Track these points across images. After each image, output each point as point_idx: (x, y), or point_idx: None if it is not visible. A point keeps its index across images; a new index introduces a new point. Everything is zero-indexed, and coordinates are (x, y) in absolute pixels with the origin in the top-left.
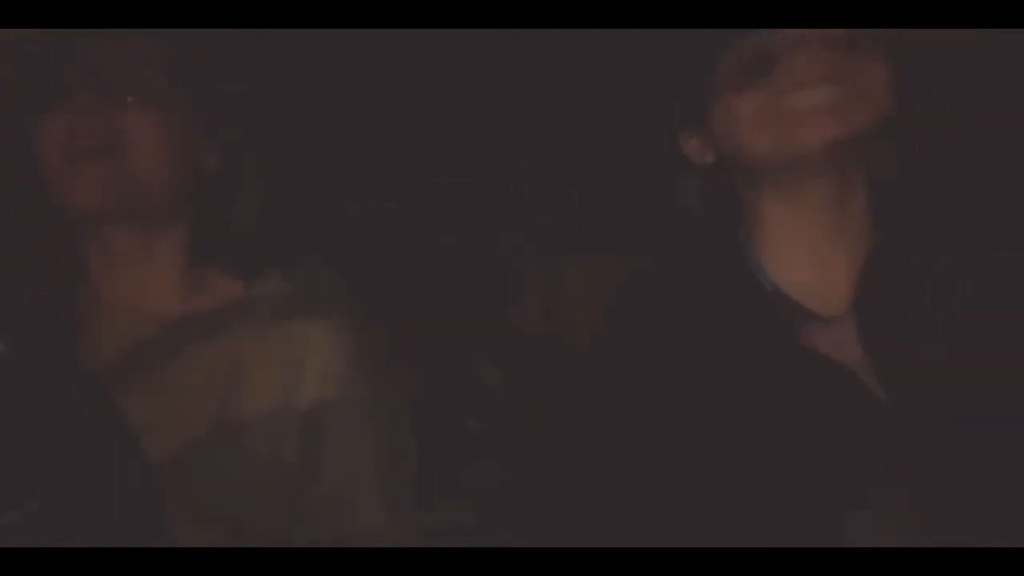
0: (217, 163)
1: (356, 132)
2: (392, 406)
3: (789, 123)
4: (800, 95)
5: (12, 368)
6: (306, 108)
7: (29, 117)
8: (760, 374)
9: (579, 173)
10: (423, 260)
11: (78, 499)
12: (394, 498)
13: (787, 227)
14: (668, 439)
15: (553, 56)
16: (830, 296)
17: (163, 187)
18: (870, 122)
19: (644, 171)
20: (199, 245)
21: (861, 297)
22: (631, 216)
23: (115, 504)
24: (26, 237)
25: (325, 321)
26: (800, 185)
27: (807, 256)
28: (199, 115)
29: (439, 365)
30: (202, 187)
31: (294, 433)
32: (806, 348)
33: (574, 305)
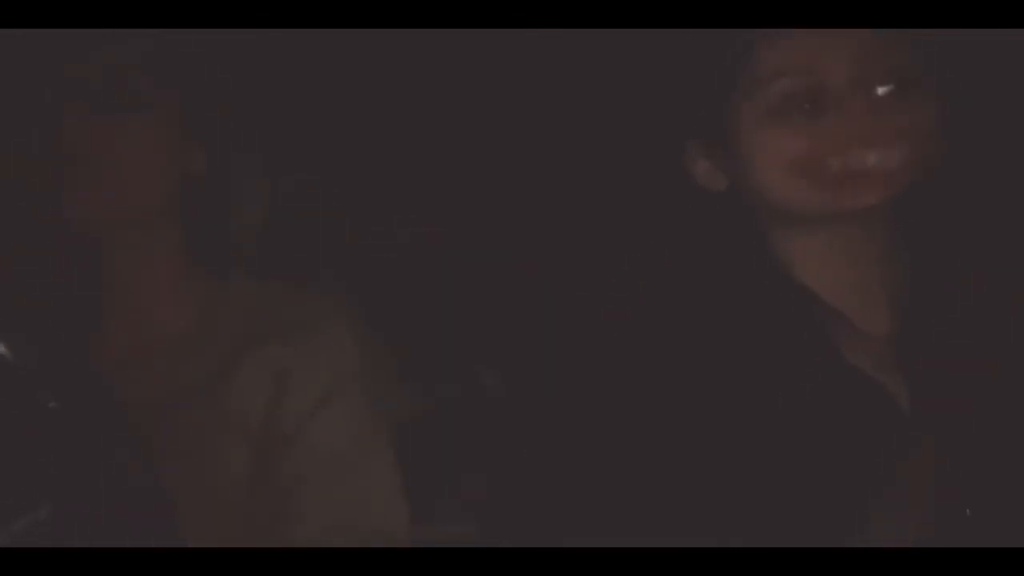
0: (202, 164)
1: (351, 134)
2: (393, 414)
3: (838, 180)
4: (859, 156)
5: (13, 369)
6: (302, 109)
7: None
8: (789, 377)
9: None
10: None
11: (88, 502)
12: (394, 512)
13: (812, 258)
14: (687, 435)
15: (566, 56)
16: (864, 314)
17: (153, 192)
18: (922, 174)
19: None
20: (194, 251)
21: (904, 321)
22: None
23: (124, 507)
24: (31, 240)
25: (324, 330)
26: (828, 224)
27: (834, 280)
28: (183, 116)
29: (438, 371)
30: (191, 190)
31: (289, 444)
32: (839, 357)
33: None
